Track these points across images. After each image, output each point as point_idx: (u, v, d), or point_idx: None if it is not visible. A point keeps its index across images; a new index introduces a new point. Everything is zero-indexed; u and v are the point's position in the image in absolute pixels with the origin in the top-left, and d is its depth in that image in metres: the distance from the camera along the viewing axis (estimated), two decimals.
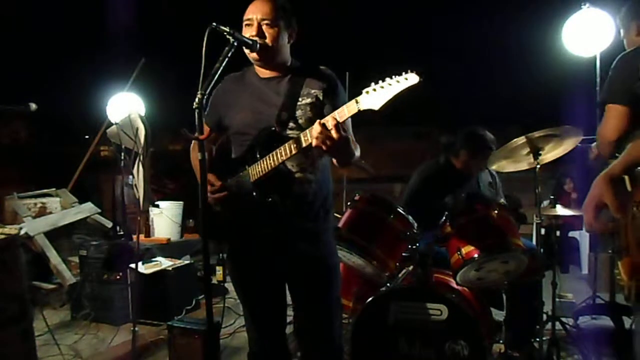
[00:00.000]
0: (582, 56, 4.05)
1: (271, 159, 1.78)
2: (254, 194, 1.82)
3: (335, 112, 1.62)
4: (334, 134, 1.57)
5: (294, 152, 1.72)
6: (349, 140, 1.68)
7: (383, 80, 1.54)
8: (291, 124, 1.85)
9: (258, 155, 1.82)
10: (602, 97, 2.06)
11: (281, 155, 1.75)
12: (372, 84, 1.55)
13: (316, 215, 1.91)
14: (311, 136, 1.63)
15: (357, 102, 1.57)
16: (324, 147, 1.60)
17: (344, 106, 1.61)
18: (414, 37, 6.97)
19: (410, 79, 1.51)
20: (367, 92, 1.55)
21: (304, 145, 1.69)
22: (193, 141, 2.07)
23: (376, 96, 1.54)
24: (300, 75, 1.90)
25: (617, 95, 2.00)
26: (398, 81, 1.52)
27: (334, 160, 1.82)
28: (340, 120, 1.59)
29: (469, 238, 2.55)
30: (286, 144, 1.73)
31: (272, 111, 1.86)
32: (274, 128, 1.83)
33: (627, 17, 2.24)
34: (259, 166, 1.82)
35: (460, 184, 3.17)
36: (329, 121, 1.59)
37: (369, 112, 1.58)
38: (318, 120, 1.61)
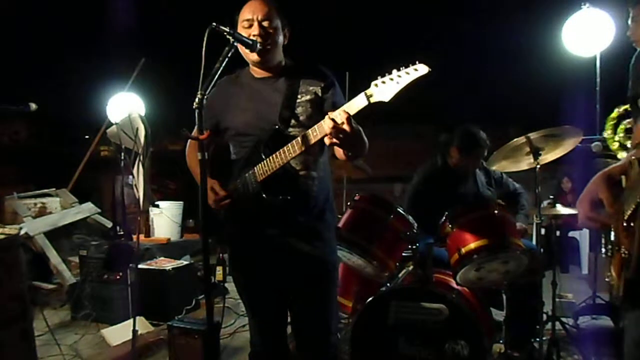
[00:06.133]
0: (582, 56, 4.05)
1: (277, 157, 1.77)
2: (263, 194, 1.81)
3: (345, 105, 1.60)
4: (346, 127, 1.55)
5: (302, 149, 1.70)
6: (361, 131, 1.65)
7: (390, 73, 1.52)
8: (293, 122, 1.85)
9: (263, 155, 1.81)
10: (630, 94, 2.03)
11: (288, 154, 1.74)
12: (379, 77, 1.53)
13: (320, 212, 1.91)
14: (320, 132, 1.63)
15: (367, 94, 1.54)
16: (337, 141, 1.58)
17: (353, 100, 1.58)
18: (413, 37, 6.96)
19: (420, 69, 1.49)
20: (376, 85, 1.53)
21: (312, 142, 1.67)
22: (189, 142, 2.07)
23: (386, 88, 1.52)
24: (295, 73, 1.89)
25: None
26: (408, 72, 1.50)
27: (344, 155, 1.76)
28: (352, 114, 1.58)
29: (469, 238, 2.55)
30: (293, 142, 1.71)
31: (272, 110, 1.86)
32: (277, 126, 1.83)
33: None
34: (266, 165, 1.81)
35: (457, 184, 3.17)
36: (339, 115, 1.56)
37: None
38: (328, 115, 1.58)
